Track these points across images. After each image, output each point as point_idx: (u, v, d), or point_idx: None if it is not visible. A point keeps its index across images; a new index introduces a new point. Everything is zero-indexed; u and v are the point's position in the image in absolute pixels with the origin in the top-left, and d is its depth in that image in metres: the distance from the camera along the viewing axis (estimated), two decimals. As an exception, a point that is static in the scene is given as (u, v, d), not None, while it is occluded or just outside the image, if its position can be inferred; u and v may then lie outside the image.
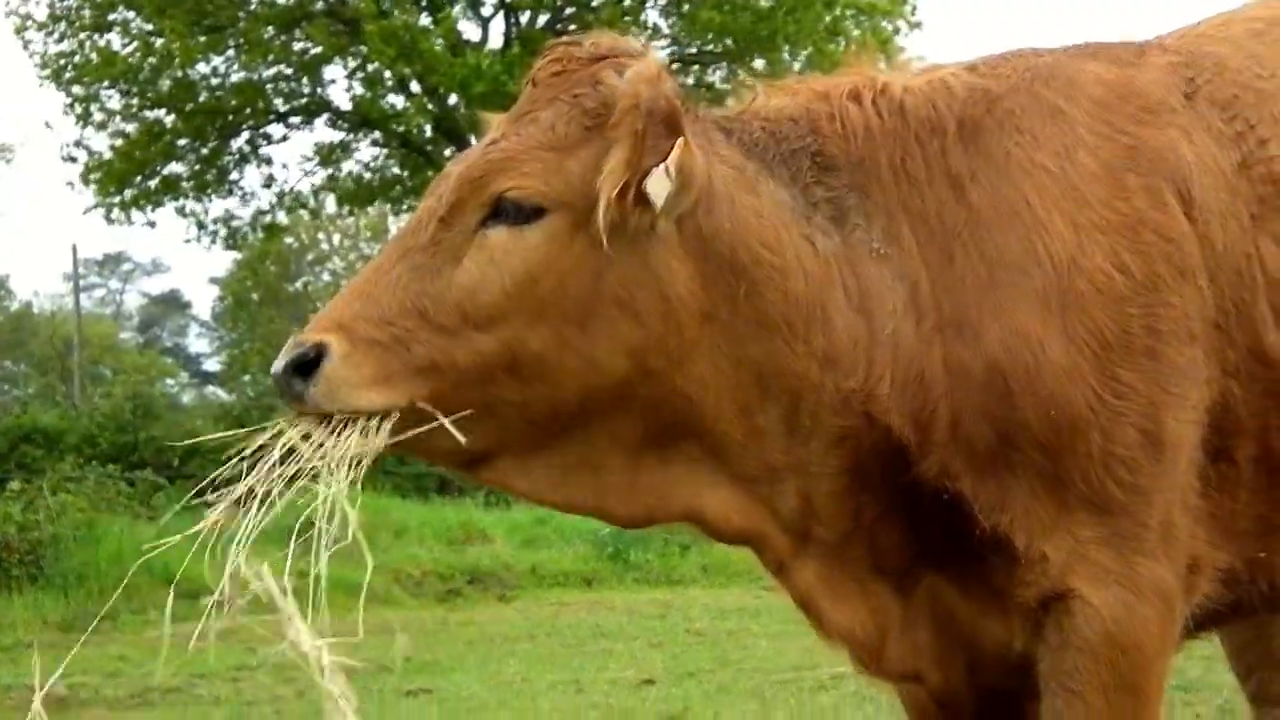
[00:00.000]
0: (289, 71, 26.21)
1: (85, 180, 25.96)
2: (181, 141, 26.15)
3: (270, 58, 25.70)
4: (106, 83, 25.58)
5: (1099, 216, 3.07)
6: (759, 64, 25.16)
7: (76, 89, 25.73)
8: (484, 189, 2.88)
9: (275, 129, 27.02)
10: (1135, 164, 3.14)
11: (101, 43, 25.59)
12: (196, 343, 45.89)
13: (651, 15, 26.38)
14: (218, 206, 28.64)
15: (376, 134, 26.99)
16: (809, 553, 3.09)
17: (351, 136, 27.62)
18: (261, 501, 2.82)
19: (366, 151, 27.77)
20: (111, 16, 25.41)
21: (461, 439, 2.90)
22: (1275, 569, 3.27)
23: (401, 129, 26.36)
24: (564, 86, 2.93)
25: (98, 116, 25.88)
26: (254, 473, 2.83)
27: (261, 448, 2.86)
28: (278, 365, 2.90)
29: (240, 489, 2.84)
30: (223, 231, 27.90)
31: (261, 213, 28.11)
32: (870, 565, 3.11)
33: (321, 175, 27.69)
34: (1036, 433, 2.98)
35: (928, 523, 3.07)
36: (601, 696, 10.45)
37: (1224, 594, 3.22)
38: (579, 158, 2.88)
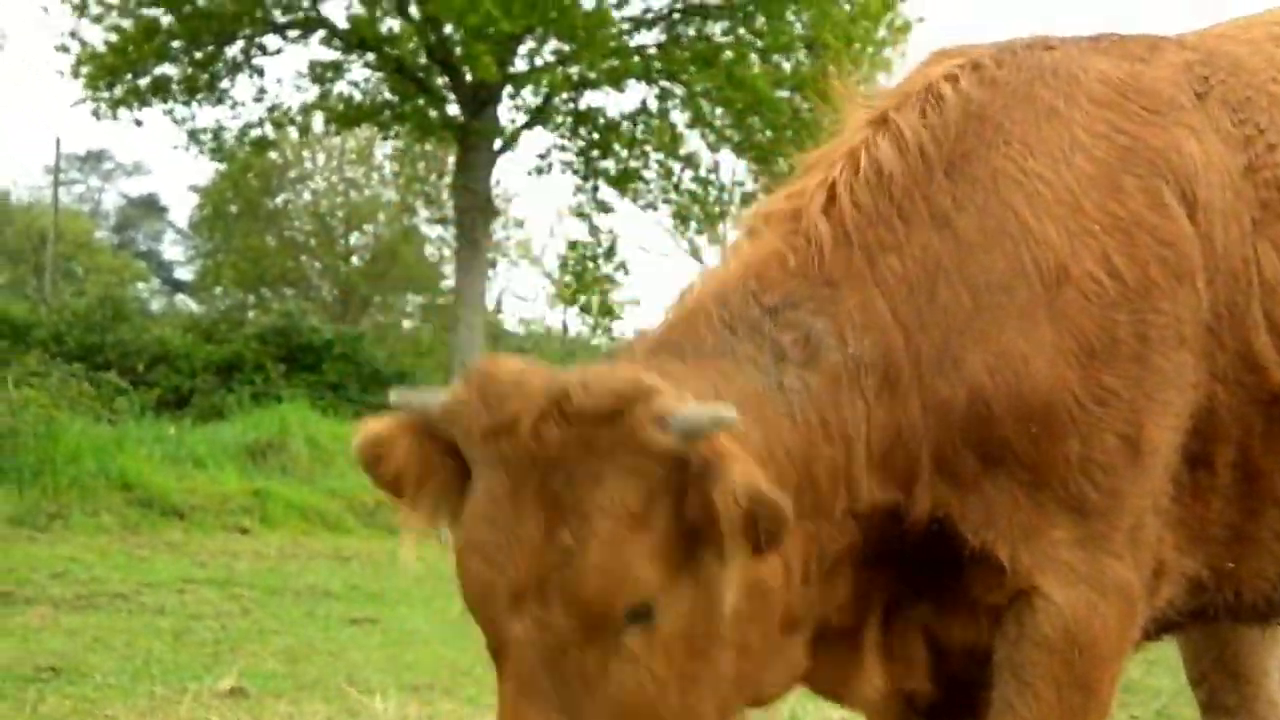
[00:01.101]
0: (289, -18, 25.98)
1: (75, 72, 25.66)
2: (176, 43, 25.85)
3: (272, -34, 25.49)
4: (106, -26, 25.30)
5: (1092, 220, 3.05)
6: (760, 21, 25.07)
7: (75, -22, 25.43)
8: (611, 606, 2.54)
9: (271, 40, 26.74)
10: (1133, 165, 3.11)
11: (102, -67, 25.30)
12: (171, 250, 45.59)
13: (655, -34, 26.21)
14: (206, 114, 28.43)
15: (370, 56, 26.77)
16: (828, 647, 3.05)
17: (345, 57, 27.37)
18: None
19: (359, 73, 27.54)
20: (114, -93, 25.14)
21: None
22: (1242, 579, 3.28)
23: (396, 53, 26.15)
24: (612, 458, 2.52)
25: (94, 9, 25.56)
26: None
27: None
28: None
29: None
30: (210, 142, 27.67)
31: (249, 126, 27.87)
32: (864, 620, 3.09)
33: (313, 93, 27.45)
34: (1018, 449, 2.98)
35: (917, 556, 3.04)
36: (546, 643, 10.47)
37: (1188, 601, 3.24)
38: (675, 549, 2.58)
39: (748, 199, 34.22)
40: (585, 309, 33.23)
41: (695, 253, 40.75)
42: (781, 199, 3.13)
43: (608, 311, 33.43)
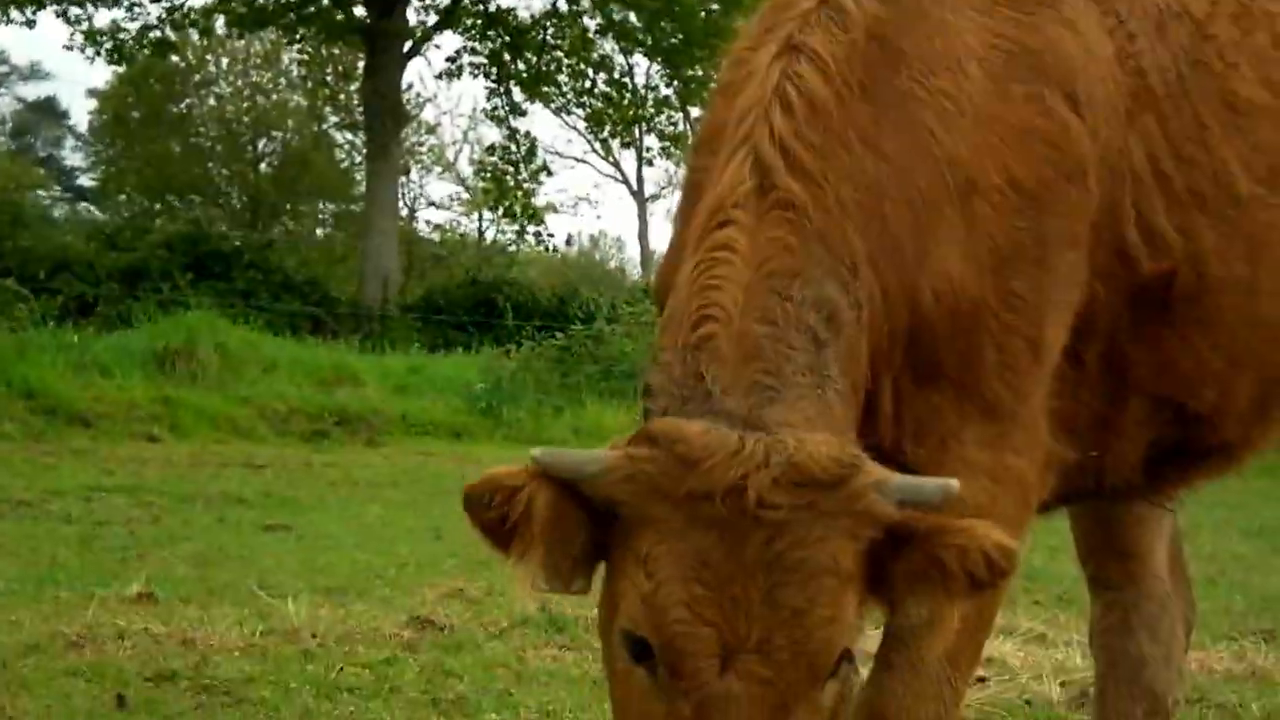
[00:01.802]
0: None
1: (-37, -28, 24.83)
2: (69, -59, 25.10)
3: None
4: None
5: (991, 132, 3.08)
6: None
7: None
8: (830, 661, 2.62)
9: (170, -62, 26.04)
10: (1018, 71, 3.13)
11: None
12: (72, 157, 44.44)
13: None
14: (103, 16, 27.59)
15: (274, -44, 26.14)
16: None
17: (248, -44, 26.72)
18: None
19: (263, -26, 26.89)
20: None
21: None
22: (1104, 467, 3.39)
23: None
24: (833, 522, 2.59)
25: (-15, -97, 24.73)
26: None
27: None
28: None
29: None
30: (108, 44, 26.92)
31: (148, 27, 27.14)
32: None
33: (216, -6, 26.77)
34: (948, 366, 3.04)
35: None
36: (460, 545, 10.37)
37: (1060, 487, 3.31)
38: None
39: (661, 104, 34.02)
40: (509, 214, 32.99)
41: (610, 156, 40.49)
42: (737, 170, 2.98)
43: (531, 216, 33.20)
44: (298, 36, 28.42)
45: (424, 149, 41.15)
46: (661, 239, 38.76)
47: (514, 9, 27.95)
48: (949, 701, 3.08)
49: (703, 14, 27.13)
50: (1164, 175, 3.29)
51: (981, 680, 6.49)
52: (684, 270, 2.91)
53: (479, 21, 28.24)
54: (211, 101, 38.72)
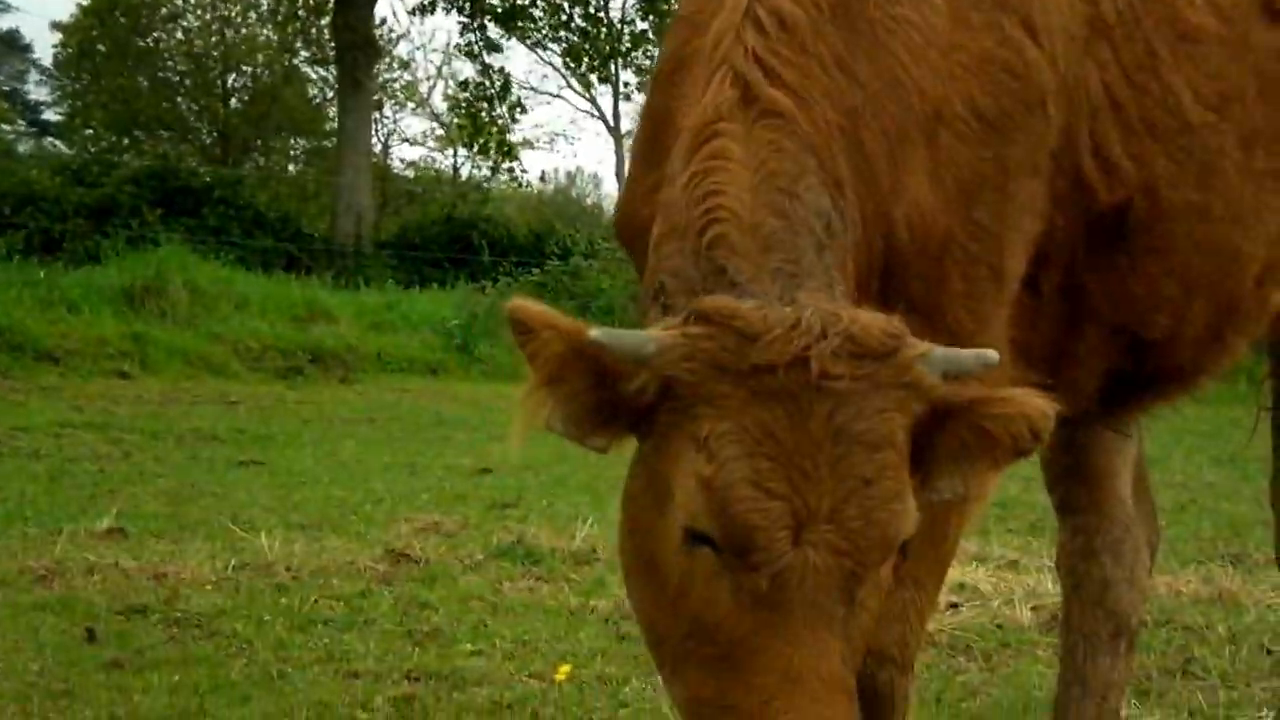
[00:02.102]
0: None
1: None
2: None
3: None
4: None
5: (954, 61, 3.07)
6: None
7: None
8: (899, 534, 2.60)
9: None
10: (977, 0, 3.12)
11: None
12: (36, 91, 43.85)
13: None
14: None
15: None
16: None
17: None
18: None
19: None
20: None
21: None
22: (1061, 395, 3.36)
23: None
24: (887, 394, 2.59)
25: None
26: None
27: None
28: None
29: None
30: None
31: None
32: None
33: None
34: (917, 296, 3.03)
35: None
36: (435, 480, 10.41)
37: None
38: None
39: (638, 39, 33.76)
40: (483, 151, 32.78)
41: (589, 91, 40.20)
42: (719, 88, 2.94)
43: (507, 153, 33.00)
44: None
45: (397, 85, 40.82)
46: (636, 174, 38.39)
47: (486, -59, 27.66)
48: (915, 622, 3.10)
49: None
50: (1118, 103, 3.30)
51: (954, 606, 6.54)
52: (672, 190, 2.88)
53: (451, -46, 27.92)
54: (179, 35, 38.25)
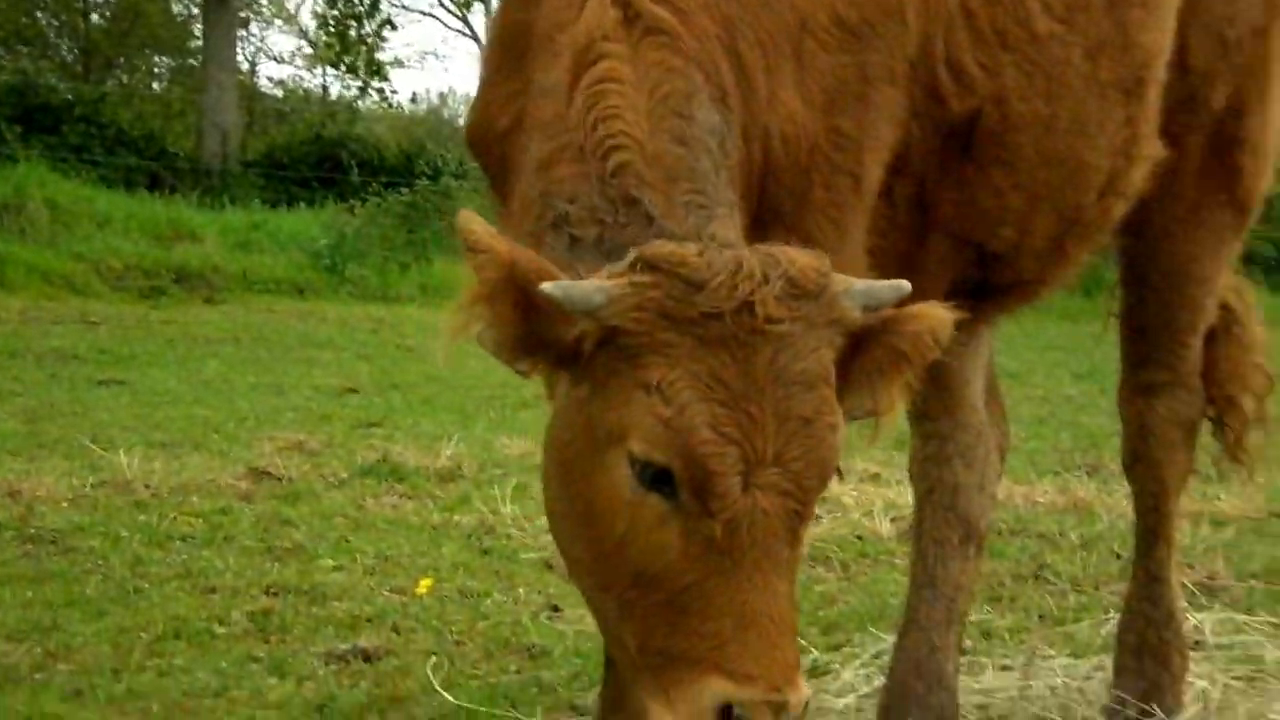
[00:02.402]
0: None
1: None
2: None
3: None
4: None
5: None
6: None
7: None
8: (834, 468, 2.70)
9: None
10: None
11: None
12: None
13: None
14: None
15: None
16: None
17: None
18: None
19: None
20: None
21: None
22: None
23: None
24: (819, 331, 2.65)
25: None
26: None
27: None
28: None
29: None
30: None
31: None
32: None
33: None
34: (785, 209, 3.07)
35: None
36: (301, 400, 10.31)
37: None
38: None
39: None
40: (352, 70, 32.20)
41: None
42: (596, 7, 2.91)
43: (376, 72, 32.44)
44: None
45: (264, 1, 39.90)
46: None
47: None
48: None
49: None
50: (970, 12, 3.33)
51: (815, 518, 6.64)
52: (548, 106, 2.87)
53: None
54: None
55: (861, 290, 2.67)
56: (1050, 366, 12.68)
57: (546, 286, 2.57)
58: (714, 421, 2.55)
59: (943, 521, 4.06)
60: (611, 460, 2.60)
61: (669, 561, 2.56)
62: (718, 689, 2.47)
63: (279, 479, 7.24)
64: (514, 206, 3.03)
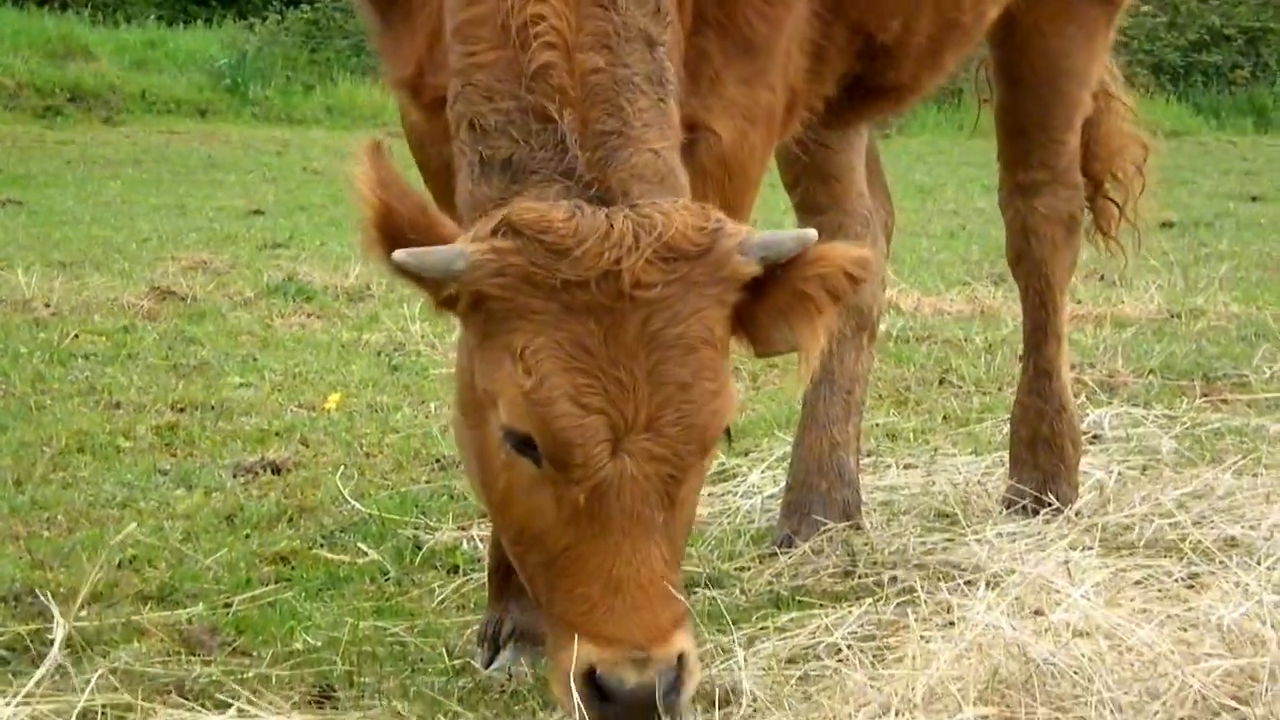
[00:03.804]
0: None
1: None
2: None
3: None
4: None
5: None
6: None
7: None
8: (719, 430, 2.72)
9: None
10: None
11: None
12: None
13: None
14: None
15: None
16: None
17: None
18: None
19: None
20: None
21: None
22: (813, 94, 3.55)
23: None
24: (703, 291, 2.66)
25: None
26: None
27: None
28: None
29: None
30: None
31: None
32: None
33: None
34: (716, 9, 3.09)
35: None
36: (205, 221, 10.16)
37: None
38: None
39: None
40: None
41: None
42: None
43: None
44: None
45: None
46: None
47: None
48: None
49: None
50: None
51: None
52: None
53: None
54: None
55: (760, 243, 2.68)
56: (962, 181, 12.71)
57: (398, 256, 2.61)
58: (575, 392, 2.57)
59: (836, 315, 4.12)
60: (491, 420, 2.66)
61: (544, 525, 2.63)
62: (584, 654, 2.57)
63: (183, 298, 7.16)
64: (421, 42, 3.00)
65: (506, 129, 2.72)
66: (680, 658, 2.62)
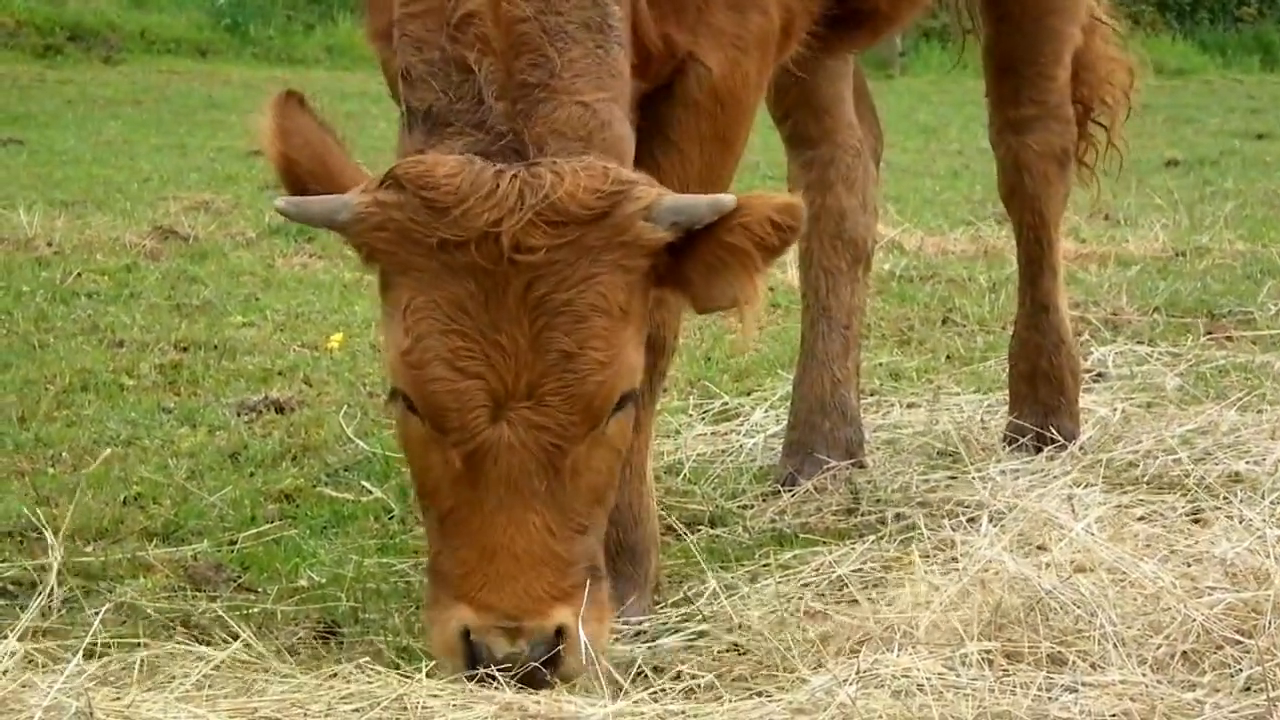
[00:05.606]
0: None
1: None
2: None
3: None
4: None
5: None
6: None
7: None
8: (611, 400, 2.64)
9: None
10: None
11: None
12: None
13: None
14: None
15: None
16: None
17: None
18: None
19: None
20: None
21: None
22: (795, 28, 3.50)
23: None
24: (600, 257, 2.60)
25: None
26: None
27: None
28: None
29: None
30: None
31: None
32: None
33: None
34: None
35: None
36: (206, 161, 10.15)
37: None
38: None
39: None
40: None
41: None
42: None
43: None
44: None
45: None
46: None
47: None
48: None
49: None
50: None
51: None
52: None
53: None
54: None
55: (670, 207, 2.59)
56: (965, 121, 12.62)
57: (279, 203, 2.63)
58: (451, 356, 2.53)
59: (831, 249, 4.10)
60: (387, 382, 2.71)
61: (433, 482, 2.62)
62: (460, 616, 2.55)
63: (185, 238, 7.16)
64: None
65: (430, 79, 2.68)
66: (560, 631, 2.57)
